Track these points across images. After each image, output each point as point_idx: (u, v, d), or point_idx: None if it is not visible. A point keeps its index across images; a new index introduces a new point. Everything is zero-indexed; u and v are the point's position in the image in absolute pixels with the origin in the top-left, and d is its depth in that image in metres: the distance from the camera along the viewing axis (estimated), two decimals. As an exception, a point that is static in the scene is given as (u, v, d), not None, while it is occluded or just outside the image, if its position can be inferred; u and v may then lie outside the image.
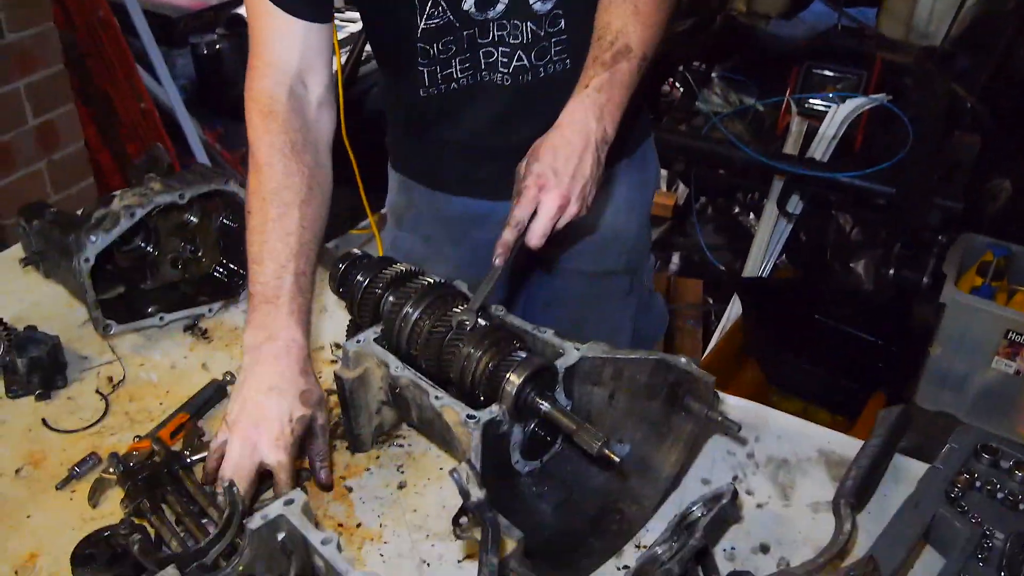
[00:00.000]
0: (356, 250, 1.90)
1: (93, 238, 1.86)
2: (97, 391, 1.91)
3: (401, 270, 1.79)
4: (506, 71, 1.96)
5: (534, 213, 1.64)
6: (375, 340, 1.70)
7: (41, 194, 3.37)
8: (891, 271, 3.62)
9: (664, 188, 5.24)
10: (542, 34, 1.91)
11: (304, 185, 1.72)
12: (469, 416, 1.49)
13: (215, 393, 1.86)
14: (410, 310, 1.69)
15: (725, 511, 1.47)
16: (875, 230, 4.16)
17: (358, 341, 1.69)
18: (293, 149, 1.72)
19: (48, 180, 3.38)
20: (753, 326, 3.67)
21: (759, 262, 4.00)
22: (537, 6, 1.88)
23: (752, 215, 4.93)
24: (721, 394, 1.89)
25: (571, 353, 1.63)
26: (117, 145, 3.93)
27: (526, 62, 1.94)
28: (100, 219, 1.93)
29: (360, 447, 1.77)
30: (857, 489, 1.61)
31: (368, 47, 4.57)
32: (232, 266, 2.20)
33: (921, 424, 3.04)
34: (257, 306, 1.66)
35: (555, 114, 1.71)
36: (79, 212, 2.08)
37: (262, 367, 1.61)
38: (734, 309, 3.89)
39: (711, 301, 4.47)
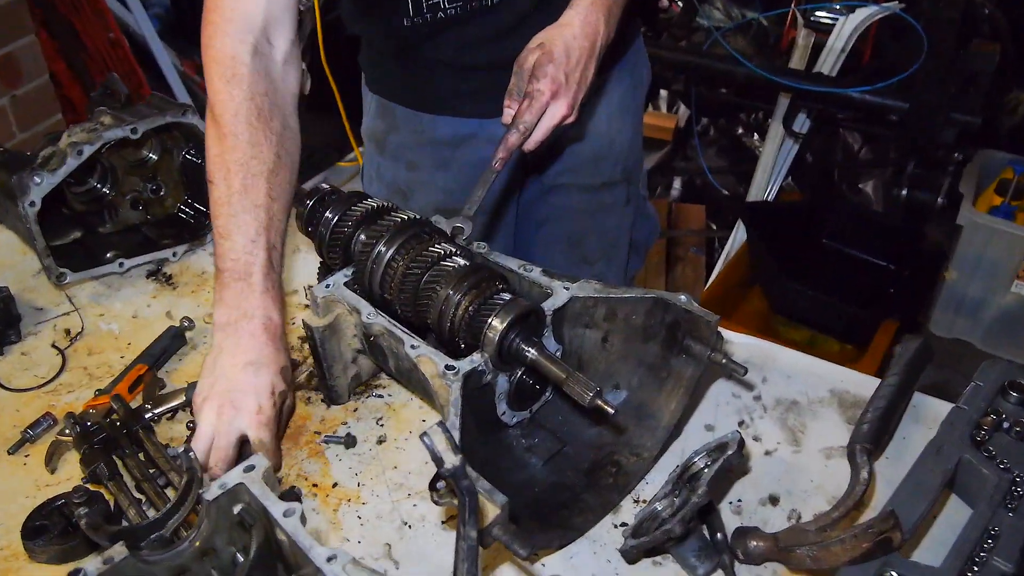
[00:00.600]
0: (324, 185, 1.74)
1: (37, 179, 1.71)
2: (53, 345, 1.77)
3: (373, 206, 1.63)
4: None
5: None
6: (346, 284, 1.56)
7: (5, 134, 3.19)
8: (903, 192, 3.45)
9: (664, 109, 5.04)
10: None
11: (272, 154, 1.57)
12: (448, 367, 1.36)
13: (173, 341, 1.73)
14: (383, 249, 1.54)
15: (730, 462, 1.35)
16: (885, 148, 3.98)
17: (327, 286, 1.55)
18: (260, 117, 1.56)
19: (12, 118, 3.20)
20: (758, 253, 3.52)
21: (764, 185, 3.83)
22: None
23: (756, 135, 4.74)
24: (725, 331, 1.75)
25: (560, 293, 1.49)
26: (87, 78, 3.73)
27: None
28: (47, 158, 1.77)
29: (336, 399, 1.65)
30: (874, 433, 1.49)
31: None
32: (197, 205, 2.05)
33: (935, 353, 2.91)
34: (228, 283, 1.53)
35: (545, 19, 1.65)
36: (30, 152, 1.92)
37: (238, 343, 1.50)
38: (738, 235, 3.73)
39: (714, 227, 4.30)
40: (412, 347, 1.41)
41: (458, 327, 1.44)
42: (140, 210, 2.02)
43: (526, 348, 1.40)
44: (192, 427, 1.56)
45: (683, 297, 1.46)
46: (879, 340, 3.11)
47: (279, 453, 1.52)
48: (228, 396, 1.45)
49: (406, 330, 1.45)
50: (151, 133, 1.92)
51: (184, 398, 1.62)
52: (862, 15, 3.56)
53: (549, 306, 1.46)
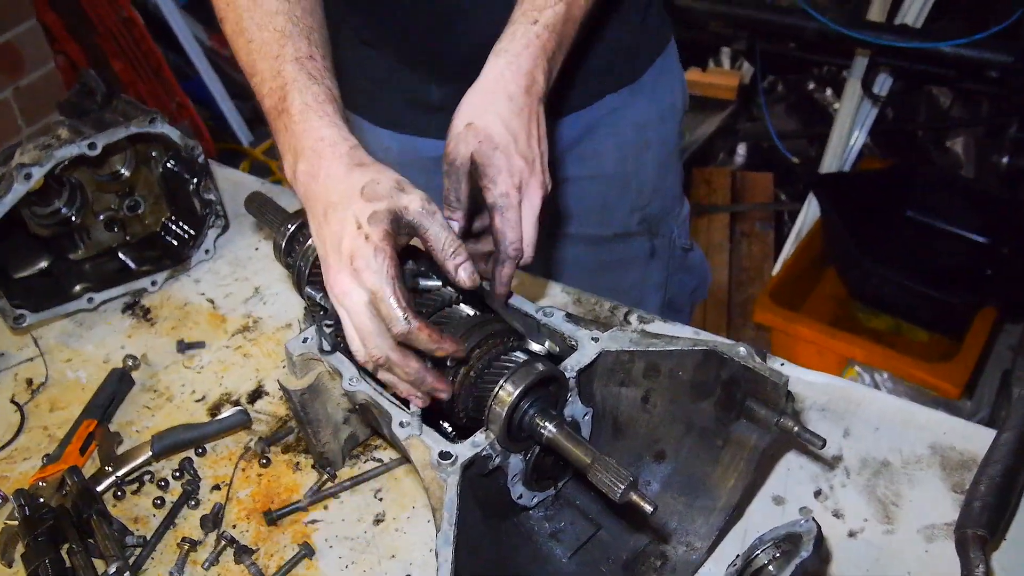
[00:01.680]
0: (309, 208, 1.46)
1: (-21, 211, 1.47)
2: (12, 400, 1.55)
3: (364, 235, 1.35)
4: None
5: None
6: (328, 330, 1.27)
7: (11, 129, 3.00)
8: (1004, 159, 3.02)
9: (727, 65, 4.62)
10: None
11: None
12: (443, 455, 1.08)
13: (120, 385, 1.50)
14: (374, 289, 1.26)
15: (804, 568, 1.05)
16: (977, 103, 3.54)
17: (304, 340, 1.27)
18: None
19: (17, 111, 3.00)
20: (833, 229, 3.14)
21: (840, 152, 3.43)
22: None
23: (830, 91, 4.31)
24: (793, 369, 1.44)
25: (586, 346, 1.19)
26: (103, 60, 3.51)
27: None
28: (-6, 182, 1.53)
29: (329, 465, 1.38)
30: (990, 514, 1.19)
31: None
32: (182, 224, 1.79)
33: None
34: (274, 126, 1.24)
35: (503, 15, 1.28)
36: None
37: (311, 196, 1.18)
38: (811, 209, 3.35)
39: (784, 199, 3.91)
40: (401, 425, 1.14)
41: (458, 393, 1.16)
42: (116, 231, 1.78)
43: (542, 424, 1.12)
44: (160, 503, 1.35)
45: (742, 349, 1.15)
46: (976, 330, 2.73)
47: (406, 297, 1.09)
48: (338, 265, 1.11)
49: (395, 401, 1.17)
50: (123, 144, 1.66)
51: (150, 452, 1.39)
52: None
53: (574, 364, 1.17)
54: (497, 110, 1.20)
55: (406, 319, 1.06)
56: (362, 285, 1.08)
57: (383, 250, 1.08)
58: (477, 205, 1.24)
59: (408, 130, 1.73)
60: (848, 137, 3.39)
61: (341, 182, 1.15)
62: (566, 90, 1.65)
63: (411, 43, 1.62)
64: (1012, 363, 2.74)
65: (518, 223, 1.20)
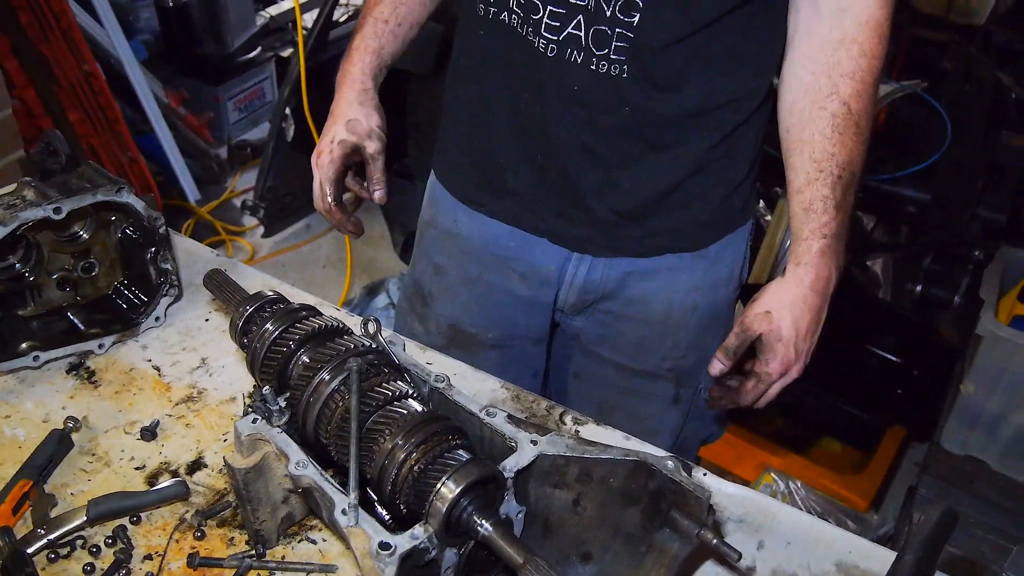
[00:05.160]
0: (268, 291, 1.52)
1: (-64, 266, 1.48)
2: (-54, 454, 1.53)
3: (323, 325, 1.41)
4: (554, 37, 1.57)
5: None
6: (278, 412, 1.32)
7: (-40, 171, 2.98)
8: (918, 287, 3.22)
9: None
10: (607, 13, 1.52)
11: None
12: (382, 545, 1.12)
13: (59, 446, 1.51)
14: (325, 378, 1.32)
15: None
16: (896, 229, 3.76)
17: (253, 421, 1.31)
18: None
19: (-30, 155, 2.98)
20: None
21: (768, 265, 3.61)
22: None
23: (762, 203, 4.52)
24: (716, 481, 1.53)
25: (526, 449, 1.26)
26: (58, 111, 3.52)
27: (581, 35, 1.56)
28: (-46, 238, 1.54)
29: (262, 543, 1.41)
30: (888, 634, 1.25)
31: (338, 10, 4.15)
32: (135, 289, 1.82)
33: (945, 469, 2.69)
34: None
35: (593, 128, 1.62)
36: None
37: (334, 99, 1.81)
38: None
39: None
40: (343, 512, 1.18)
41: (400, 488, 1.22)
42: (67, 291, 1.79)
43: (479, 521, 1.17)
44: (90, 569, 1.35)
45: (670, 464, 1.23)
46: (886, 447, 2.88)
47: (327, 192, 1.78)
48: (319, 150, 1.80)
49: (340, 488, 1.22)
50: (86, 208, 1.69)
51: (85, 516, 1.39)
52: (880, 91, 3.35)
53: (512, 465, 1.23)
54: (791, 309, 1.56)
55: (325, 200, 1.78)
56: (319, 171, 1.77)
57: (335, 161, 1.75)
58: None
59: (482, 209, 1.85)
60: (778, 250, 3.57)
61: (343, 107, 1.79)
62: (629, 235, 1.75)
63: (507, 117, 1.74)
64: (917, 479, 2.87)
65: (763, 392, 1.63)
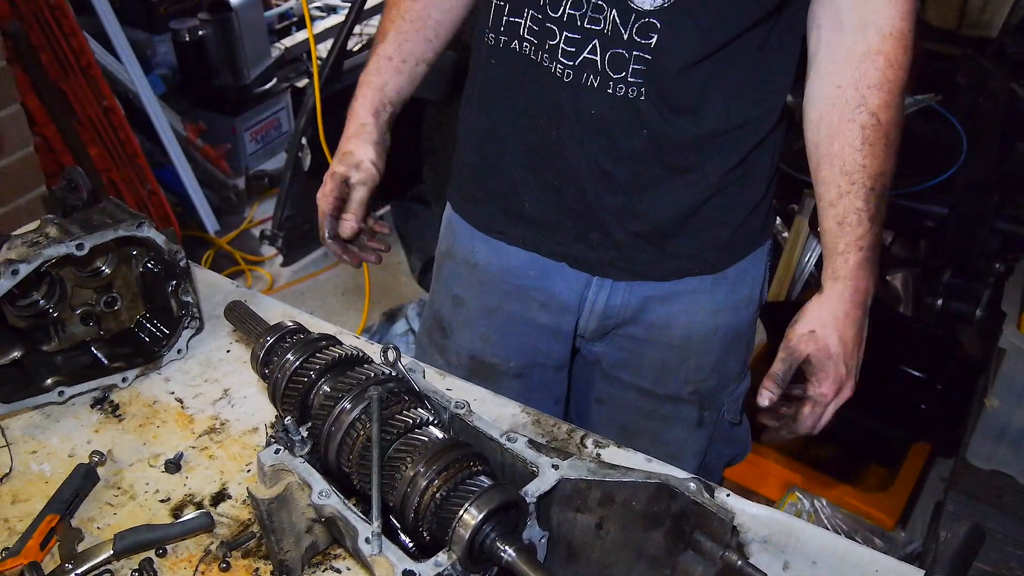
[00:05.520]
0: (288, 322, 1.54)
1: (-37, 303, 1.50)
2: (-26, 490, 1.55)
3: (343, 354, 1.42)
4: (570, 62, 1.59)
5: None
6: (300, 442, 1.33)
7: (-15, 206, 3.03)
8: (939, 301, 3.20)
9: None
10: (624, 36, 1.53)
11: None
12: (406, 574, 1.13)
13: (84, 481, 1.52)
14: (347, 406, 1.33)
15: None
16: (915, 243, 3.74)
17: (276, 451, 1.32)
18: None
19: (-9, 192, 3.03)
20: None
21: (787, 281, 3.60)
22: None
23: (779, 220, 4.52)
24: (739, 501, 1.52)
25: (547, 473, 1.26)
26: (78, 146, 3.57)
27: (597, 59, 1.57)
28: (-20, 275, 1.57)
29: (287, 573, 1.41)
30: (917, 652, 1.24)
31: (352, 39, 4.20)
32: (156, 322, 1.84)
33: (972, 485, 2.66)
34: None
35: (611, 153, 1.62)
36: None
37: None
38: (758, 337, 3.48)
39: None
40: (367, 540, 1.18)
41: (423, 515, 1.22)
42: (91, 325, 1.81)
43: (502, 547, 1.17)
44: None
45: (692, 485, 1.23)
46: (911, 463, 2.85)
47: (323, 225, 1.83)
48: (324, 181, 1.84)
49: (362, 517, 1.22)
50: (109, 244, 1.72)
51: (112, 550, 1.40)
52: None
53: (534, 490, 1.23)
54: (836, 325, 1.55)
55: (321, 232, 1.84)
56: (319, 204, 1.82)
57: (327, 196, 1.80)
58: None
59: (501, 237, 1.86)
60: (795, 267, 3.56)
61: (343, 141, 1.87)
62: (649, 259, 1.75)
63: (520, 142, 1.75)
64: (943, 496, 2.84)
65: (819, 416, 1.62)
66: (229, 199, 4.89)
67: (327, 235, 1.83)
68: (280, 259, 4.56)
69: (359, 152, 1.82)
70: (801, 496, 2.82)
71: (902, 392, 3.22)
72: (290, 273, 4.71)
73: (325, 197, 1.80)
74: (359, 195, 1.82)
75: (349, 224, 1.82)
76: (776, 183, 1.82)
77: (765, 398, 1.56)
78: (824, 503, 2.79)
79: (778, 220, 4.57)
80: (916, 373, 3.21)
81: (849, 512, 2.77)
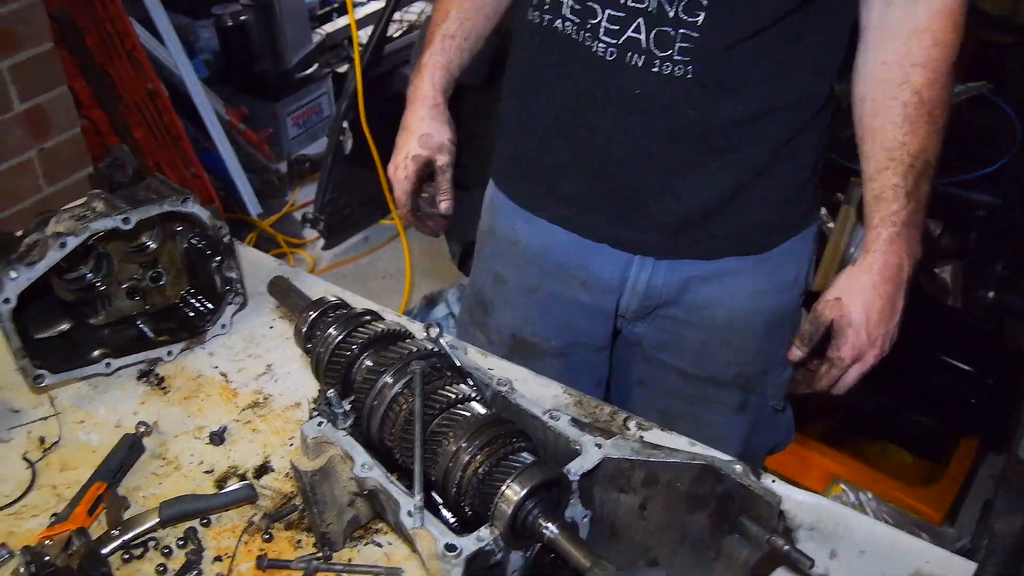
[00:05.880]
0: (331, 297, 1.54)
1: (13, 274, 1.52)
2: (24, 457, 1.58)
3: (385, 329, 1.42)
4: (612, 41, 1.56)
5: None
6: (343, 415, 1.33)
7: (32, 187, 3.07)
8: (990, 293, 3.13)
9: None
10: (670, 14, 1.51)
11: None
12: (448, 547, 1.12)
13: (131, 451, 1.54)
14: (388, 381, 1.32)
15: None
16: (965, 235, 3.66)
17: (319, 424, 1.32)
18: None
19: (40, 171, 3.08)
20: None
21: (832, 271, 3.54)
22: None
23: (824, 210, 4.45)
24: (785, 487, 1.49)
25: (590, 452, 1.24)
26: (124, 129, 3.61)
27: (641, 37, 1.54)
28: (30, 247, 1.59)
29: (329, 546, 1.41)
30: (969, 645, 1.21)
31: (392, 25, 4.19)
32: (201, 298, 1.85)
33: (1023, 481, 2.59)
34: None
35: (653, 133, 1.60)
36: (20, 233, 1.74)
37: (405, 114, 1.89)
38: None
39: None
40: (409, 514, 1.18)
41: (465, 490, 1.21)
42: (137, 300, 1.83)
43: (545, 524, 1.16)
44: (162, 570, 1.37)
45: (738, 467, 1.21)
46: (960, 458, 2.79)
47: (404, 204, 1.88)
48: (395, 165, 1.88)
49: (404, 490, 1.22)
50: (154, 219, 1.73)
51: (157, 518, 1.41)
52: (946, 93, 3.26)
53: (577, 468, 1.22)
54: (862, 296, 1.58)
55: (403, 210, 1.89)
56: (396, 184, 1.86)
57: (409, 176, 1.83)
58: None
59: (542, 215, 1.84)
60: (841, 257, 3.50)
61: (416, 121, 1.86)
62: (691, 239, 1.73)
63: (562, 122, 1.73)
64: (994, 493, 2.78)
65: (836, 378, 1.64)
66: (271, 183, 4.93)
67: (407, 212, 1.89)
68: (322, 242, 4.59)
69: (438, 134, 1.85)
70: (846, 488, 2.77)
71: (950, 386, 3.15)
72: (331, 256, 4.74)
73: (406, 179, 1.84)
74: (448, 176, 1.87)
75: (446, 204, 1.89)
76: (822, 166, 1.78)
77: (793, 354, 1.66)
78: (870, 496, 2.74)
79: (824, 210, 4.51)
80: (965, 367, 3.14)
81: (896, 506, 2.72)
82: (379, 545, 1.43)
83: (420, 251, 4.62)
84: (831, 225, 4.04)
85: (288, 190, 5.12)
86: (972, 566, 1.34)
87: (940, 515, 2.65)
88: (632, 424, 1.62)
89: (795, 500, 1.49)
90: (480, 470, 1.20)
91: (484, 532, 1.15)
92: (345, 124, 3.96)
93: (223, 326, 1.83)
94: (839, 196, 3.72)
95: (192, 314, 1.85)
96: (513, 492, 1.15)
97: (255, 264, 2.04)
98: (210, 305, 1.83)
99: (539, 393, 1.69)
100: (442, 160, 1.85)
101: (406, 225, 1.83)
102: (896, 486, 2.73)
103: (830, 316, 1.61)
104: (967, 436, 2.85)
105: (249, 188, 4.53)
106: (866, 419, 3.16)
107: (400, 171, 1.85)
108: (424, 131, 1.84)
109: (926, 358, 3.22)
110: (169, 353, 1.77)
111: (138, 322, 1.83)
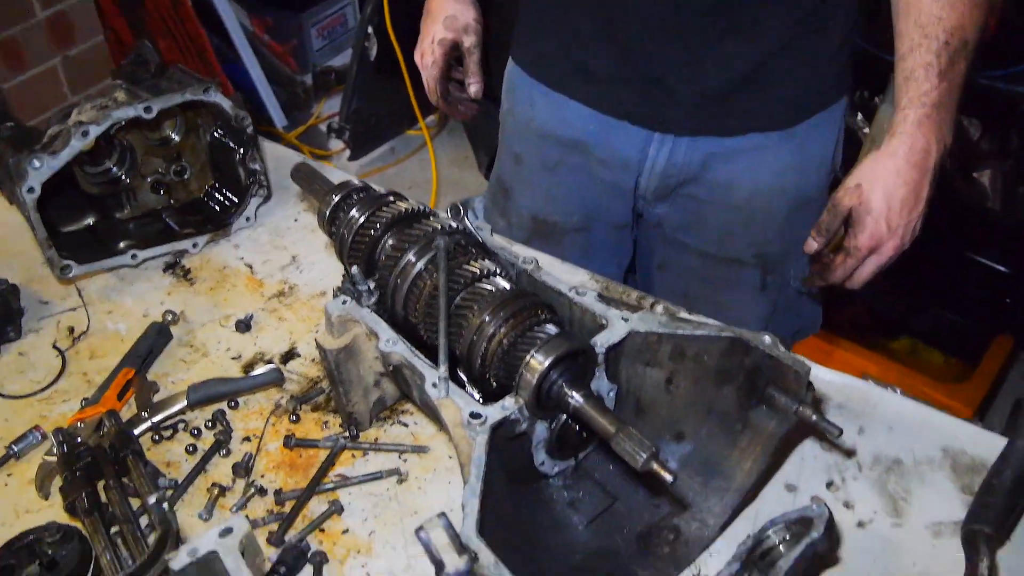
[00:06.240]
0: (354, 180, 1.52)
1: (37, 163, 1.52)
2: (54, 345, 1.60)
3: (407, 208, 1.41)
4: None
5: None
6: (367, 293, 1.33)
7: (57, 95, 3.07)
8: (1028, 190, 3.04)
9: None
10: None
11: None
12: (473, 415, 1.12)
13: (158, 337, 1.56)
14: (411, 259, 1.32)
15: (814, 548, 1.09)
16: (1007, 137, 3.55)
17: (343, 302, 1.32)
18: None
19: (64, 79, 3.07)
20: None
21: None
22: None
23: (860, 116, 4.33)
24: (815, 367, 1.47)
25: (617, 326, 1.23)
26: (149, 38, 3.58)
27: None
28: (52, 138, 1.59)
29: (356, 426, 1.43)
30: (998, 513, 1.22)
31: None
32: (226, 191, 1.85)
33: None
34: None
35: (677, 7, 1.54)
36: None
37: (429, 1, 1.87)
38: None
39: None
40: (434, 385, 1.18)
41: (490, 361, 1.21)
42: (162, 194, 1.83)
43: (569, 393, 1.16)
44: (192, 450, 1.40)
45: (767, 338, 1.19)
46: (992, 356, 2.75)
47: (434, 89, 1.88)
48: (421, 51, 1.87)
49: (430, 363, 1.22)
50: (175, 110, 1.72)
51: (185, 401, 1.44)
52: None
53: (603, 341, 1.21)
54: (884, 182, 1.48)
55: (434, 95, 1.89)
56: (424, 71, 1.86)
57: (437, 62, 1.83)
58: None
59: (563, 90, 1.80)
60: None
61: (438, 4, 1.84)
62: (713, 114, 1.68)
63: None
64: (1026, 392, 2.76)
65: (852, 269, 1.55)
66: (296, 95, 4.87)
67: (439, 98, 1.88)
68: (347, 153, 4.56)
69: (463, 15, 1.82)
70: (875, 384, 2.75)
71: (984, 284, 3.09)
72: (357, 167, 4.70)
73: (433, 64, 1.83)
74: (476, 58, 1.84)
75: (476, 87, 1.87)
76: (852, 42, 1.71)
77: (810, 245, 1.57)
78: (899, 392, 2.72)
79: (859, 116, 4.39)
80: (1001, 268, 3.08)
81: (925, 403, 2.70)
82: (405, 425, 1.44)
83: (447, 161, 4.57)
84: (867, 131, 3.93)
85: (313, 102, 5.06)
86: (1002, 441, 1.32)
87: (970, 411, 2.63)
88: (659, 308, 1.61)
89: (823, 379, 1.48)
90: (505, 341, 1.19)
91: (509, 401, 1.15)
92: (370, 29, 3.88)
93: (248, 219, 1.83)
94: (876, 100, 3.61)
95: (217, 208, 1.85)
96: (538, 362, 1.15)
97: (279, 159, 2.02)
98: (235, 199, 1.83)
99: (565, 278, 1.67)
100: (469, 41, 1.82)
101: (439, 115, 1.82)
102: (925, 382, 2.70)
103: (849, 204, 1.52)
104: (1000, 335, 2.81)
105: (274, 99, 4.49)
106: (896, 318, 3.12)
107: (427, 57, 1.82)
108: (448, 13, 1.80)
109: (962, 260, 3.16)
110: (195, 245, 1.77)
111: (164, 216, 1.83)
